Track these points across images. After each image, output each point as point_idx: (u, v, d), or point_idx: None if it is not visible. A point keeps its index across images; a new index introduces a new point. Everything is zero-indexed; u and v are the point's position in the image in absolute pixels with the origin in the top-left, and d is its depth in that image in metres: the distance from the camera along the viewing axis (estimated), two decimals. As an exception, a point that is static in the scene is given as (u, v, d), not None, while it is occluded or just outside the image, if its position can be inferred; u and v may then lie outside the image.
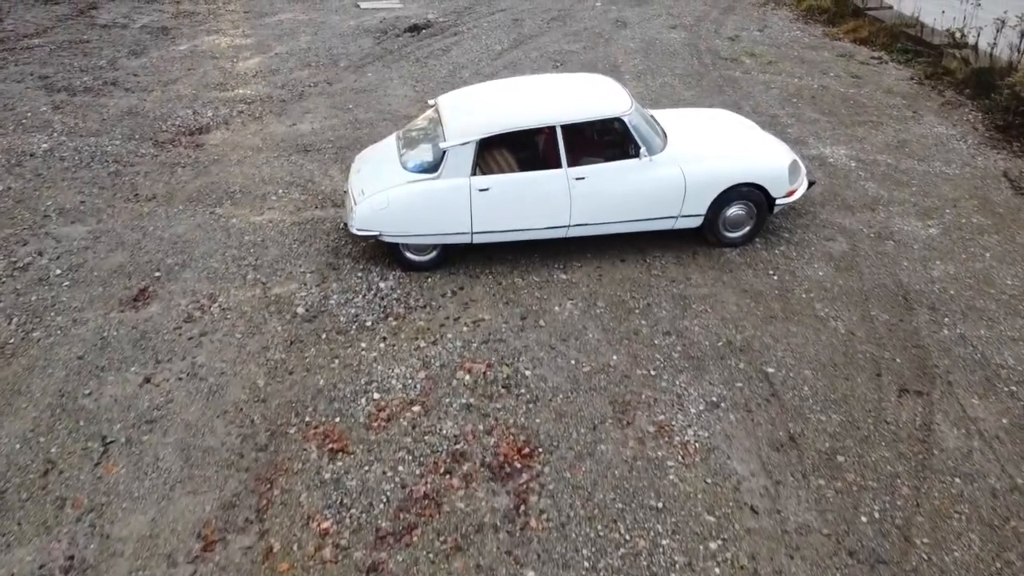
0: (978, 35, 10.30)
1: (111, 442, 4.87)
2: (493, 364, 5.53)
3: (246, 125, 9.32)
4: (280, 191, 7.82)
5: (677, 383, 5.34)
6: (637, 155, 6.32)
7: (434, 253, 6.51)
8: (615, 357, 5.58)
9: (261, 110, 9.75)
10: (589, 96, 6.51)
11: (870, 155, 8.56)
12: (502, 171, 6.29)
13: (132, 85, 10.48)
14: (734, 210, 6.64)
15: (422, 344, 5.72)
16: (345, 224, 6.67)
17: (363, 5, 14.40)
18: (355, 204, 6.29)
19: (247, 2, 14.62)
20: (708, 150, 6.63)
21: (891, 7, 13.19)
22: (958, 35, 10.75)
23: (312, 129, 9.21)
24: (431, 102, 6.92)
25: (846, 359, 5.53)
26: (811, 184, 7.07)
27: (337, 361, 5.55)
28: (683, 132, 6.79)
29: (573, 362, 5.54)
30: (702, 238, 6.80)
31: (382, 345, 5.71)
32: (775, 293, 6.24)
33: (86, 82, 10.55)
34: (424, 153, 6.43)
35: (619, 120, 6.27)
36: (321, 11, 14.09)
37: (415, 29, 12.98)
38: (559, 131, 6.19)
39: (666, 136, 6.66)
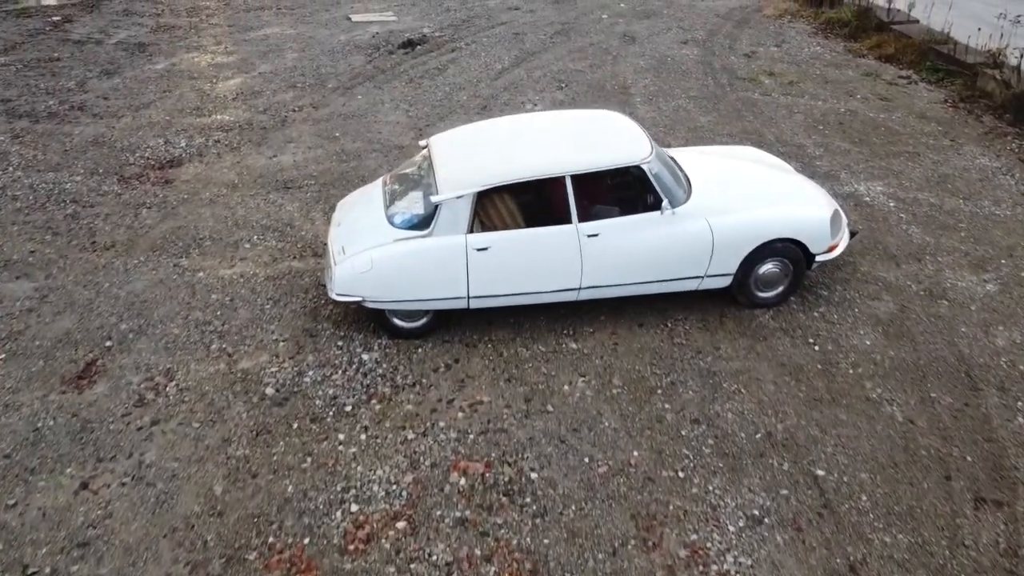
0: (1021, 57, 9.47)
1: (33, 574, 4.05)
2: (493, 463, 4.70)
3: (222, 157, 8.50)
4: (255, 237, 7.00)
5: (711, 489, 4.51)
6: (658, 208, 5.50)
7: (425, 319, 5.69)
8: (636, 453, 4.76)
9: (239, 139, 8.92)
10: (602, 140, 5.69)
11: (909, 192, 7.74)
12: (503, 227, 5.46)
13: (101, 110, 9.66)
14: (768, 268, 5.82)
15: (410, 435, 4.90)
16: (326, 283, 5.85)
17: (355, 18, 13.58)
18: (334, 265, 5.47)
19: (232, 15, 13.79)
20: (738, 200, 5.81)
21: (917, 21, 12.36)
22: (998, 55, 9.93)
23: (294, 162, 8.38)
24: (422, 143, 6.10)
25: (908, 457, 4.70)
26: (853, 235, 6.25)
27: (310, 460, 4.72)
28: (709, 178, 5.97)
29: (587, 460, 4.71)
30: (730, 297, 5.99)
31: (363, 437, 4.89)
32: (817, 368, 5.42)
33: (51, 106, 9.73)
34: (414, 205, 5.61)
35: (638, 169, 5.45)
36: (310, 25, 13.27)
37: (409, 45, 12.16)
38: (569, 182, 5.37)
39: (690, 184, 5.84)
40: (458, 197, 5.28)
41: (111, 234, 7.04)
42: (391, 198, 5.77)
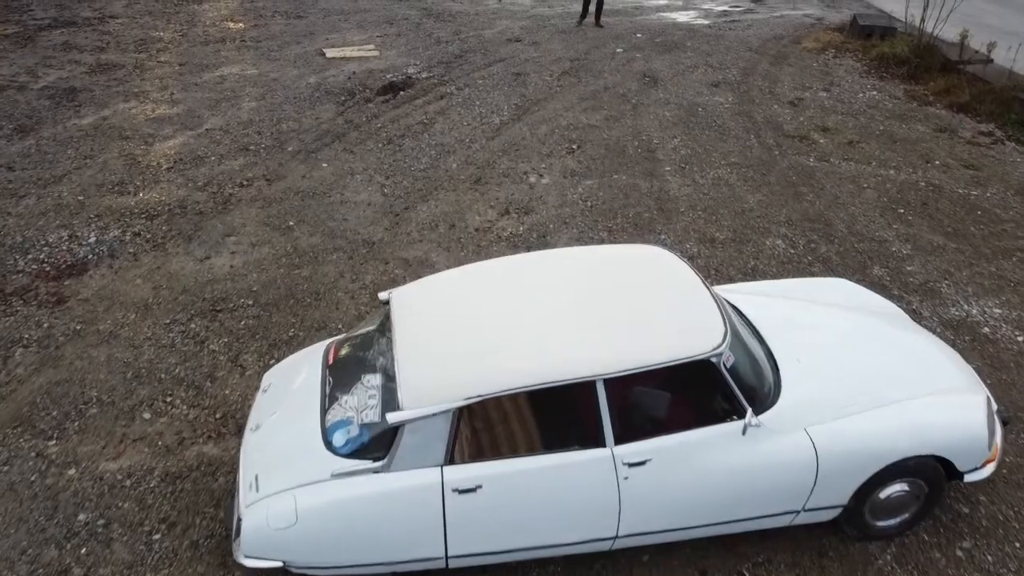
0: None
1: None
2: None
3: (139, 259, 6.60)
4: (159, 400, 5.10)
5: None
6: (737, 416, 3.62)
7: (383, 579, 3.80)
8: None
9: (166, 230, 7.02)
10: (650, 313, 3.78)
11: (1038, 317, 5.85)
12: (499, 453, 3.58)
13: (0, 186, 7.75)
14: (893, 490, 3.93)
15: None
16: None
17: (330, 54, 11.68)
18: (242, 507, 3.59)
19: (187, 50, 11.88)
20: (848, 391, 3.91)
21: (991, 61, 10.47)
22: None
23: (231, 268, 6.48)
24: (383, 297, 4.21)
25: None
26: (1005, 424, 4.34)
27: None
28: (800, 353, 4.06)
29: None
30: (831, 522, 4.10)
31: None
32: (984, 672, 3.53)
33: (-61, 181, 7.84)
34: (364, 410, 3.71)
35: (706, 363, 3.56)
36: (276, 62, 11.35)
37: (391, 90, 10.26)
38: (601, 388, 3.49)
39: (776, 368, 3.94)
40: (431, 415, 3.40)
41: (-37, 394, 5.14)
42: (332, 393, 3.87)
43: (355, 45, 12.08)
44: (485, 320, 3.80)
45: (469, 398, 3.40)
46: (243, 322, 5.83)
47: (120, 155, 8.41)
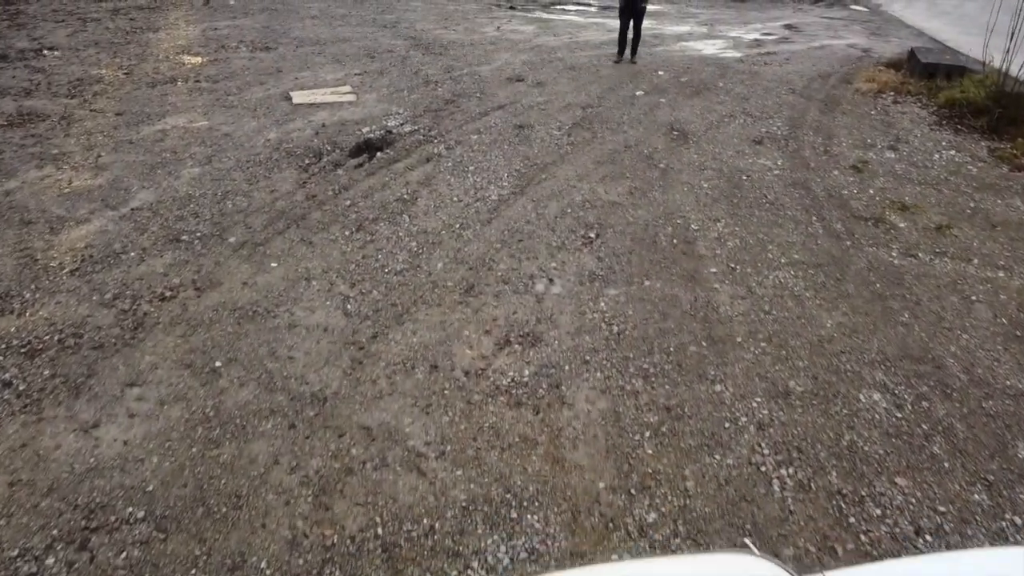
0: None
1: None
2: None
3: (1, 427, 4.79)
4: None
5: None
6: None
7: None
8: None
9: (48, 376, 5.21)
10: None
11: None
12: None
13: None
14: None
15: None
16: None
17: (297, 99, 9.87)
18: None
19: (129, 93, 10.07)
20: None
21: (1093, 113, 8.69)
22: None
23: (124, 446, 4.67)
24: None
25: None
26: None
27: None
28: None
29: None
30: None
31: None
32: None
33: None
34: None
35: None
36: (232, 111, 9.54)
37: (367, 149, 8.46)
38: None
39: None
40: None
41: None
42: None
43: (328, 87, 10.28)
44: None
45: None
46: (124, 553, 4.02)
47: (15, 250, 6.60)
